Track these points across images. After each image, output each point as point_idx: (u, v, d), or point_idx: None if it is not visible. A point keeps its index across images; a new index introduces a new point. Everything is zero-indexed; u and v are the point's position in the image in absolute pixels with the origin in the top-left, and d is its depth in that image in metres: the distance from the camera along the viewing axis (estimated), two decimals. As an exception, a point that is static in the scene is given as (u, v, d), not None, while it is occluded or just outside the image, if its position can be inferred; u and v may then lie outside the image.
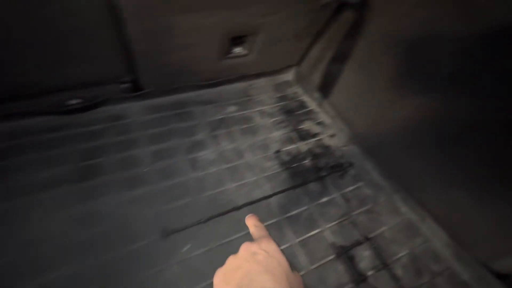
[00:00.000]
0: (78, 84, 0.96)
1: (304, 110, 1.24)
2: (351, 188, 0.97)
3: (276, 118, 1.18)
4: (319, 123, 1.20)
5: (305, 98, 1.30)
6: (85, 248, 0.71)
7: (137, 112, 1.07)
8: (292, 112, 1.22)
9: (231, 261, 0.30)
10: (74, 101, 0.99)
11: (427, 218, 0.88)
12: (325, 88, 1.21)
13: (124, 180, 0.86)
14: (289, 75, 1.39)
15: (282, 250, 0.30)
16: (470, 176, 0.76)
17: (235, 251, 0.31)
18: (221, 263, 0.31)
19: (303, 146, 1.09)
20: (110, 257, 0.70)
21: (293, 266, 0.30)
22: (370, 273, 0.78)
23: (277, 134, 1.11)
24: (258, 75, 1.31)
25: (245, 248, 0.30)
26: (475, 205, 0.76)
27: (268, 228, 0.36)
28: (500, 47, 0.66)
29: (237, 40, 1.06)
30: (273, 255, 0.29)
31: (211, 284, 0.30)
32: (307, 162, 1.03)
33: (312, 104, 1.27)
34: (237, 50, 1.11)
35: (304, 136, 1.13)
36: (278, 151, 1.05)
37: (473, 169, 0.75)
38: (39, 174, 0.83)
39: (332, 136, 1.15)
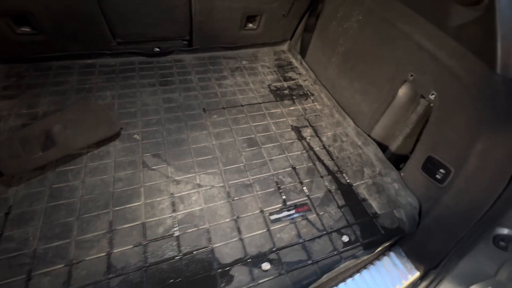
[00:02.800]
0: (160, 38, 1.75)
1: (290, 66, 1.96)
2: (309, 104, 1.67)
3: (271, 69, 1.91)
4: (298, 73, 1.91)
5: (292, 60, 2.02)
6: (167, 111, 1.48)
7: (190, 59, 1.85)
8: (282, 67, 1.95)
9: None
10: (157, 49, 1.79)
11: (346, 118, 1.56)
12: (304, 52, 1.93)
13: (183, 88, 1.63)
14: (284, 46, 2.12)
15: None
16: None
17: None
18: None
19: (285, 83, 1.81)
20: (176, 115, 1.46)
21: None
22: (308, 138, 1.47)
23: (270, 77, 1.84)
24: (263, 44, 2.05)
25: None
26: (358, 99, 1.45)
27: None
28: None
29: (250, 18, 1.81)
30: None
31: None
32: (286, 91, 1.75)
33: (296, 63, 1.99)
34: (250, 25, 1.86)
35: (287, 79, 1.85)
36: (269, 85, 1.77)
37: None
38: (140, 81, 1.62)
39: (304, 80, 1.85)
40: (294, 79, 1.86)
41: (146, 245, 0.96)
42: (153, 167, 1.20)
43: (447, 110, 1.06)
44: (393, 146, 1.33)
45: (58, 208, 1.02)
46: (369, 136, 1.43)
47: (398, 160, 1.31)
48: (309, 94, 1.75)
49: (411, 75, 1.21)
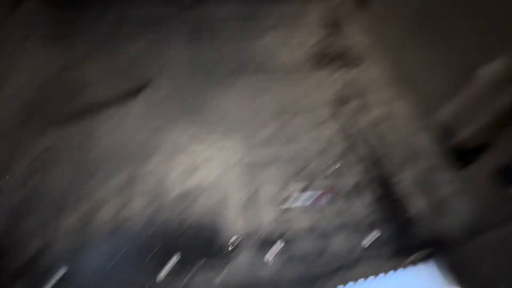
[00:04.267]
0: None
1: (341, 25, 1.64)
2: (357, 75, 1.40)
3: (317, 28, 1.61)
4: (350, 35, 1.59)
5: (344, 17, 1.66)
6: (197, 67, 1.36)
7: (225, 11, 1.64)
8: (331, 26, 1.63)
9: None
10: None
11: (402, 95, 1.27)
12: (363, 6, 1.57)
13: (215, 43, 1.48)
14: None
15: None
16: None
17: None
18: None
19: (331, 46, 1.53)
20: (205, 71, 1.35)
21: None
22: (350, 114, 1.25)
23: (314, 37, 1.57)
24: None
25: None
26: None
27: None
28: None
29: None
30: None
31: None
32: (330, 55, 1.48)
33: (348, 21, 1.65)
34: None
35: (334, 40, 1.55)
36: (312, 46, 1.52)
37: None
38: (172, 33, 1.50)
39: (356, 44, 1.54)
40: (342, 42, 1.56)
41: (157, 208, 0.95)
42: (174, 128, 1.14)
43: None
44: (458, 139, 1.06)
45: (81, 159, 1.04)
46: (428, 122, 1.16)
47: (460, 157, 1.04)
48: (361, 61, 1.46)
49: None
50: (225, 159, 1.07)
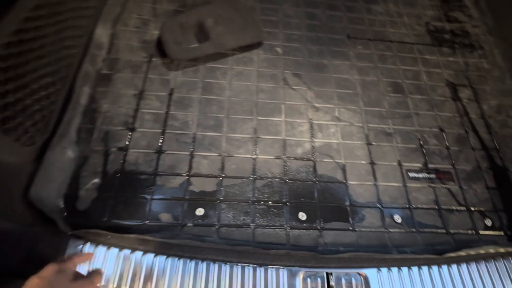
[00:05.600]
0: None
1: (459, 4, 1.53)
2: (474, 60, 1.34)
3: (434, 2, 1.51)
4: (468, 15, 1.49)
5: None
6: (309, 28, 1.32)
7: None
8: (448, 2, 1.52)
9: None
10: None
11: None
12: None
13: (327, 4, 1.41)
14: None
15: None
16: None
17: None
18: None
19: (448, 25, 1.44)
20: (318, 36, 1.31)
21: None
22: (465, 101, 1.22)
23: (431, 12, 1.47)
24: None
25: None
26: None
27: None
28: None
29: None
30: None
31: None
32: (447, 35, 1.40)
33: (468, 0, 1.53)
34: None
35: (451, 19, 1.46)
36: (428, 22, 1.43)
37: None
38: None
39: (475, 26, 1.44)
40: (461, 22, 1.46)
41: (286, 160, 0.99)
42: (294, 87, 1.15)
43: None
44: None
45: (210, 102, 1.07)
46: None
47: None
48: (477, 47, 1.38)
49: None
50: (344, 126, 1.08)
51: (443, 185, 1.01)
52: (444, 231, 0.94)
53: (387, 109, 1.15)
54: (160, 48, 1.14)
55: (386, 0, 1.48)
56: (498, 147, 1.11)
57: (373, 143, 1.06)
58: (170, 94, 1.06)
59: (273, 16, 1.33)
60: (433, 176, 1.03)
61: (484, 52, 1.36)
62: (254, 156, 0.98)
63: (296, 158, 1.00)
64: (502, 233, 0.96)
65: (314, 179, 0.96)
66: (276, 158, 0.99)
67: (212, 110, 1.05)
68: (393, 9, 1.46)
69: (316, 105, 1.12)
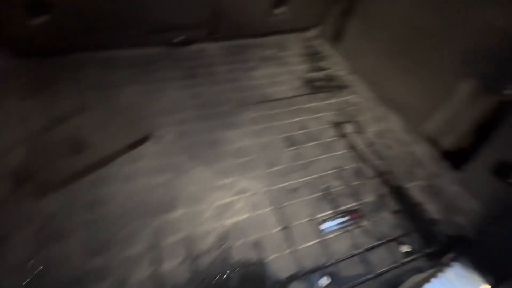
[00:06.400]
0: (183, 26, 1.60)
1: (322, 55, 1.81)
2: (348, 97, 1.54)
3: (302, 58, 1.76)
4: (332, 62, 1.76)
5: (324, 47, 1.86)
6: (197, 107, 1.36)
7: (215, 48, 1.71)
8: (313, 55, 1.80)
9: None
10: (180, 38, 1.65)
11: (391, 111, 1.43)
12: (339, 38, 1.77)
13: (211, 81, 1.51)
14: (313, 32, 1.95)
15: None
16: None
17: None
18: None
19: (319, 74, 1.67)
20: (206, 112, 1.35)
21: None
22: (350, 135, 1.35)
23: (302, 67, 1.70)
24: (291, 30, 1.88)
25: None
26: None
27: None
28: None
29: (280, 1, 1.65)
30: None
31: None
32: (320, 82, 1.61)
33: (328, 51, 1.83)
34: (279, 9, 1.70)
35: (319, 68, 1.71)
36: (302, 76, 1.64)
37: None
38: (166, 74, 1.50)
39: (339, 70, 1.71)
40: (327, 69, 1.71)
41: (194, 260, 0.88)
42: (191, 171, 1.11)
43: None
44: (449, 144, 1.21)
45: (97, 221, 0.94)
46: (418, 132, 1.31)
47: (455, 160, 1.19)
48: (346, 86, 1.61)
49: (479, 64, 1.06)
50: (250, 197, 1.06)
51: (356, 226, 1.03)
52: (371, 276, 0.91)
53: (288, 165, 1.18)
54: (30, 174, 1.00)
55: (262, 65, 1.67)
56: (389, 169, 1.22)
57: (282, 204, 1.05)
58: (42, 228, 0.90)
59: (159, 104, 1.34)
60: (345, 218, 1.04)
61: (353, 88, 1.59)
62: (154, 270, 0.85)
63: (204, 253, 0.90)
64: (421, 253, 0.98)
65: (228, 272, 0.87)
66: (181, 263, 0.87)
67: (100, 230, 0.92)
68: (270, 71, 1.63)
69: (217, 183, 1.08)
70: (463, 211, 1.08)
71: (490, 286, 0.95)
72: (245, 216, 1.00)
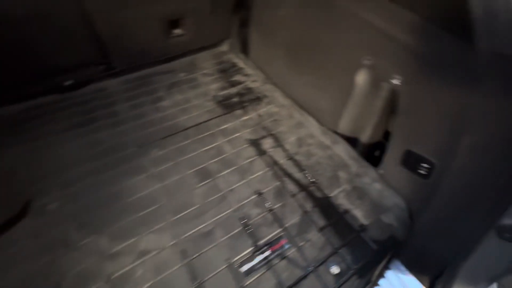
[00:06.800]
0: (69, 67, 1.42)
1: (235, 68, 1.72)
2: (264, 109, 1.46)
3: (214, 76, 1.65)
4: (245, 75, 1.67)
5: (236, 60, 1.78)
6: (92, 158, 1.18)
7: (116, 85, 1.54)
8: (226, 71, 1.70)
9: None
10: (69, 81, 1.46)
11: (308, 116, 1.37)
12: (246, 49, 1.69)
13: (111, 123, 1.34)
14: (224, 46, 1.86)
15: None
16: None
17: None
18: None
19: (233, 90, 1.57)
20: (104, 162, 1.18)
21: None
22: (270, 150, 1.26)
23: (215, 85, 1.59)
24: (200, 49, 1.78)
25: None
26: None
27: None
28: None
29: (175, 23, 1.53)
30: None
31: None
32: (235, 99, 1.51)
33: (241, 63, 1.75)
34: (177, 31, 1.58)
35: (233, 84, 1.61)
36: (215, 95, 1.52)
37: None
38: (53, 126, 1.30)
39: (253, 81, 1.62)
40: (242, 83, 1.62)
41: None
42: (80, 244, 0.92)
43: (418, 96, 0.90)
44: (364, 140, 1.16)
45: None
46: (336, 133, 1.25)
47: (373, 155, 1.14)
48: (262, 97, 1.53)
49: (368, 59, 1.02)
50: (154, 257, 0.90)
51: (280, 258, 0.91)
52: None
53: (200, 204, 1.04)
54: None
55: (171, 92, 1.53)
56: (312, 180, 1.14)
57: (194, 255, 0.91)
58: None
59: (43, 166, 1.14)
60: (267, 254, 0.92)
61: (269, 98, 1.52)
62: None
63: None
64: (351, 272, 0.89)
65: None
66: None
67: None
68: (180, 98, 1.50)
69: (114, 250, 0.91)
70: (389, 210, 1.02)
71: (425, 287, 0.89)
72: (148, 285, 0.84)
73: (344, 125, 1.21)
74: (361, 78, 1.07)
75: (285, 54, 1.39)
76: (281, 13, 1.31)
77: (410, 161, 0.93)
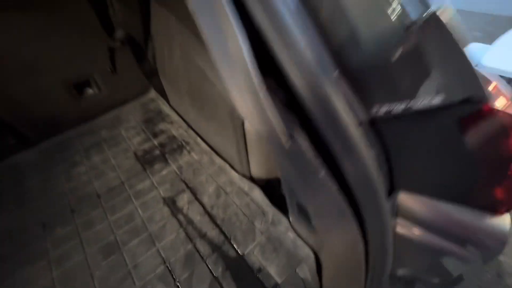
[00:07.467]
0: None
1: (161, 116, 1.67)
2: (186, 158, 1.39)
3: (138, 128, 1.60)
4: (170, 122, 1.62)
5: (162, 107, 1.73)
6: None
7: (29, 158, 1.46)
8: (152, 120, 1.64)
9: None
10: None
11: (226, 163, 1.30)
12: (165, 96, 1.65)
13: (15, 205, 1.24)
14: (151, 93, 1.82)
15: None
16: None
17: None
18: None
19: (155, 141, 1.50)
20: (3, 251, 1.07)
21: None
22: (185, 208, 1.18)
23: (137, 139, 1.53)
24: (124, 102, 1.73)
25: None
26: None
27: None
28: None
29: (82, 84, 1.49)
30: None
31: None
32: (156, 151, 1.44)
33: (166, 110, 1.70)
34: (89, 91, 1.54)
35: (157, 134, 1.55)
36: (135, 151, 1.46)
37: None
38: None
39: (177, 127, 1.57)
40: (165, 131, 1.57)
41: None
42: None
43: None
44: (277, 184, 1.09)
45: None
46: (251, 178, 1.19)
47: (280, 201, 1.07)
48: (184, 144, 1.47)
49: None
50: None
51: None
52: None
53: (99, 288, 0.95)
54: None
55: (89, 155, 1.46)
56: (227, 236, 1.05)
57: None
58: None
59: None
60: None
61: (190, 146, 1.45)
62: None
63: None
64: None
65: None
66: None
67: None
68: (98, 159, 1.43)
69: None
70: (303, 261, 0.94)
71: None
72: None
73: (256, 171, 1.15)
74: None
75: (188, 102, 1.34)
76: (175, 63, 1.27)
77: (301, 209, 0.86)
